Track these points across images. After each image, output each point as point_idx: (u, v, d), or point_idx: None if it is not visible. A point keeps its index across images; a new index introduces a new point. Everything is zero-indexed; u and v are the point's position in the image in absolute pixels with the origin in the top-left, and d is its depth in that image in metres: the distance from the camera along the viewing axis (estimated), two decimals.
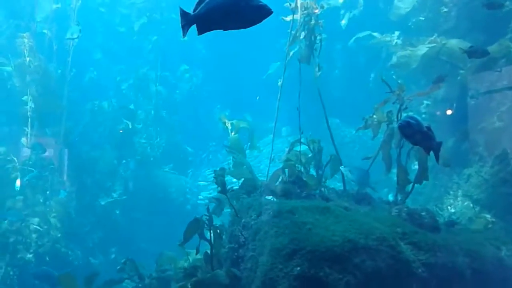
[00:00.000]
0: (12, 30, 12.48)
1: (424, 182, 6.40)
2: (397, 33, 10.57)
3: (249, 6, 3.42)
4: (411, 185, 6.41)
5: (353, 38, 12.62)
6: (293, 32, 7.20)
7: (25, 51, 11.61)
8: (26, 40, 11.60)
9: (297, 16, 7.16)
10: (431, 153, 4.63)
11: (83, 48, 13.84)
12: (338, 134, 12.44)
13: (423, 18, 9.70)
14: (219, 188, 5.55)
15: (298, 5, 7.13)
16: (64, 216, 11.08)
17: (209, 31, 3.53)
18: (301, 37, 7.22)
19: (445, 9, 8.85)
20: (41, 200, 11.05)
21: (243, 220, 5.65)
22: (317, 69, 7.10)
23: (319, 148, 6.97)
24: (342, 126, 12.73)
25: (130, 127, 12.99)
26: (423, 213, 6.04)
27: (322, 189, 6.76)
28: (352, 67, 12.95)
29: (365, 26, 12.17)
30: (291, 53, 7.12)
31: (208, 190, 13.01)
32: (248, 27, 3.53)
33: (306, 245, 4.63)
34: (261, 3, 3.44)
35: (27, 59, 11.56)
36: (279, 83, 7.09)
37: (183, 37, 3.57)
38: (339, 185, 7.40)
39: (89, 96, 14.01)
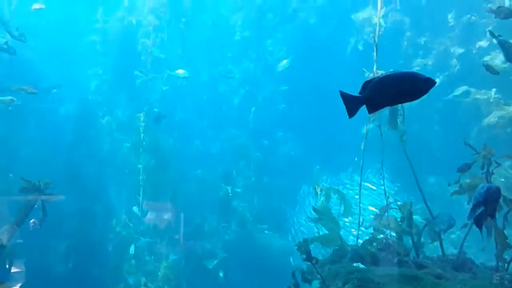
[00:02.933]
0: (131, 110, 14.30)
1: None
2: (493, 90, 10.12)
3: (417, 81, 3.57)
4: None
5: (450, 95, 12.30)
6: None
7: (140, 129, 13.24)
8: (141, 119, 13.26)
9: None
10: None
11: (189, 121, 15.33)
12: (442, 194, 11.89)
13: None
14: (304, 256, 5.69)
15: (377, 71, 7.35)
16: (173, 278, 11.93)
17: (379, 109, 3.72)
18: None
19: None
20: (153, 263, 12.06)
21: None
22: (402, 134, 7.16)
23: (410, 213, 6.86)
24: (445, 185, 12.15)
25: (230, 192, 13.81)
26: None
27: (416, 255, 6.58)
28: (451, 124, 12.46)
29: (462, 82, 11.82)
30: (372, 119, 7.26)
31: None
32: (415, 100, 3.72)
33: None
34: (426, 76, 3.60)
35: (142, 135, 13.15)
36: (362, 147, 7.22)
37: (349, 118, 3.64)
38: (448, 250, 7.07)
39: (194, 164, 15.23)
